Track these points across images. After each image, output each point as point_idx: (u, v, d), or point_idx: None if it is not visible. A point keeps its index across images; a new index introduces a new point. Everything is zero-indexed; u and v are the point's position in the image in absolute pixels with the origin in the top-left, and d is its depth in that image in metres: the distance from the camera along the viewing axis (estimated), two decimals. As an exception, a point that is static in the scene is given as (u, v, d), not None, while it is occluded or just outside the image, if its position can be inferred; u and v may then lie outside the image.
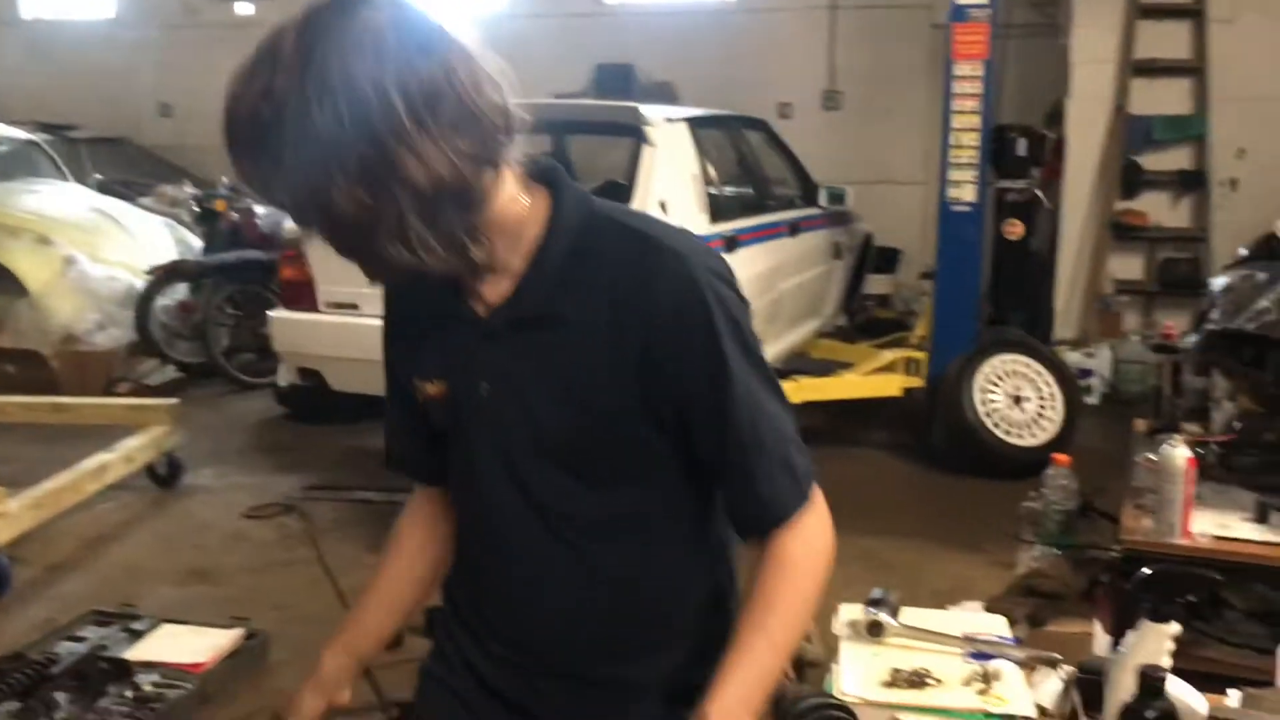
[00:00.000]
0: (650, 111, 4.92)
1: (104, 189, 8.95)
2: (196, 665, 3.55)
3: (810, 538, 1.34)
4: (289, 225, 5.31)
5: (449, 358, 1.34)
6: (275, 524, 4.96)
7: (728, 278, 1.31)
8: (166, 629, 3.79)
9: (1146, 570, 1.59)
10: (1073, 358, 6.70)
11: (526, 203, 1.26)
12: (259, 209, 7.88)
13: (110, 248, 7.66)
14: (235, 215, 7.78)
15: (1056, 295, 7.41)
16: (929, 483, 5.54)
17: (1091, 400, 6.60)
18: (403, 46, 1.07)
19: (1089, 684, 1.62)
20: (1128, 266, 7.38)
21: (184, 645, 3.67)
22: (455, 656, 1.51)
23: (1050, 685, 1.74)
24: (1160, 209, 7.35)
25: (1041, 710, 1.68)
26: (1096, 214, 7.26)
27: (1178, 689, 1.45)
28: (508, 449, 1.33)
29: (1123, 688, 1.47)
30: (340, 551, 4.59)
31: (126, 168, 10.09)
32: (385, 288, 1.43)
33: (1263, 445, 2.56)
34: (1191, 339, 2.80)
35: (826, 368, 6.29)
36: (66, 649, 3.58)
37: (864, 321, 8.18)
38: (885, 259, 8.59)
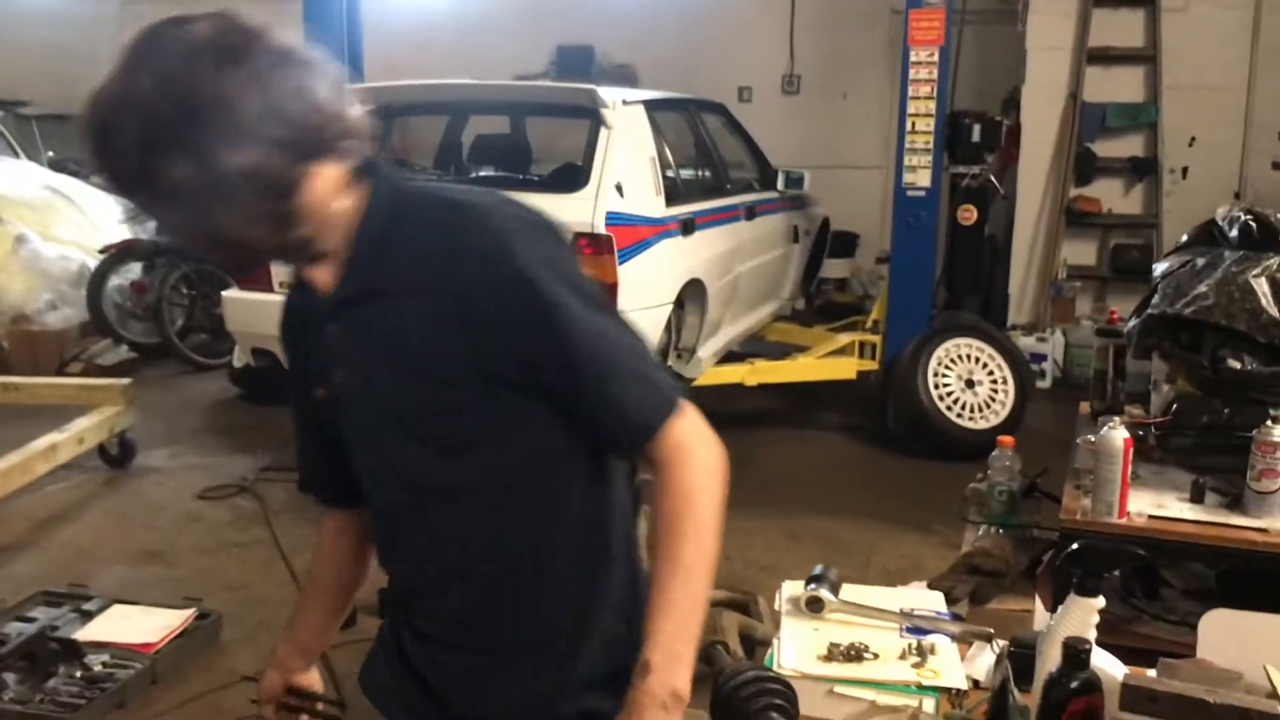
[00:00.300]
0: (607, 94, 4.92)
1: (56, 166, 8.82)
2: (147, 645, 3.54)
3: (692, 451, 1.31)
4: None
5: (322, 357, 1.39)
6: (229, 505, 4.94)
7: (538, 222, 1.33)
8: (117, 609, 3.78)
9: (1074, 546, 1.63)
10: (1026, 342, 6.79)
11: (347, 194, 1.31)
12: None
13: (62, 226, 7.57)
14: (190, 194, 7.70)
15: (1011, 280, 7.49)
16: (882, 465, 5.60)
17: (1044, 384, 6.70)
18: (218, 54, 1.20)
19: (1021, 657, 1.66)
20: (1081, 252, 7.47)
21: (135, 625, 3.67)
22: (390, 635, 1.55)
23: (984, 659, 1.78)
24: (1113, 195, 7.44)
25: (974, 682, 1.73)
26: (1051, 200, 7.35)
27: (1101, 660, 1.49)
28: (370, 430, 1.38)
29: (1050, 659, 1.51)
30: (294, 532, 4.59)
31: (79, 145, 9.93)
32: (282, 316, 1.49)
33: (1198, 427, 2.61)
34: (1132, 323, 2.84)
35: (783, 351, 6.34)
36: (16, 629, 3.56)
37: (822, 305, 8.24)
38: (844, 243, 8.65)
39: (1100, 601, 1.56)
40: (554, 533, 1.37)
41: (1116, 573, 3.08)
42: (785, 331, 6.81)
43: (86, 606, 3.78)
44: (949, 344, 5.63)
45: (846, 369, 6.05)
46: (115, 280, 7.18)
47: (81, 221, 7.69)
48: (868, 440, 5.90)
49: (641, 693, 1.23)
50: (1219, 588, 2.79)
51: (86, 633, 3.60)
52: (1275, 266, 2.56)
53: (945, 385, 5.57)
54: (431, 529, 1.39)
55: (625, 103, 5.01)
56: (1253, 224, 2.66)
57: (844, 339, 6.23)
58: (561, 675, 1.40)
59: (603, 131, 4.81)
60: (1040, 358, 6.76)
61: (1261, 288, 2.53)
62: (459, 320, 1.27)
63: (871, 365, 6.06)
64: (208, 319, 7.07)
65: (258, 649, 3.68)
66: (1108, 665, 1.50)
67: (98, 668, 3.41)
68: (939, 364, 5.58)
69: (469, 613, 1.40)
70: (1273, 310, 2.50)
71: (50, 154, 9.20)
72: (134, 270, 7.22)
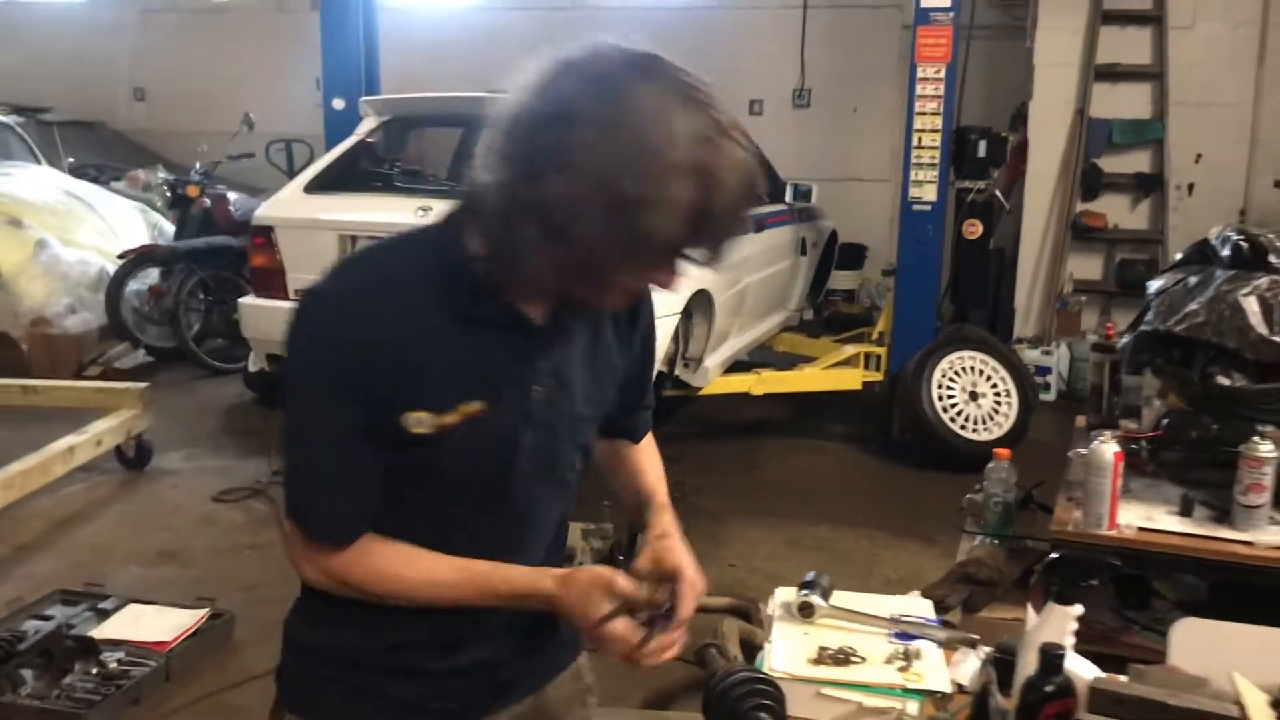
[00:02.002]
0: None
1: (76, 173, 8.95)
2: (162, 644, 3.63)
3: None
4: (260, 212, 5.37)
5: (488, 377, 1.36)
6: (244, 507, 5.03)
7: None
8: (133, 608, 3.86)
9: (1054, 555, 1.70)
10: (1031, 355, 6.86)
11: None
12: (231, 194, 7.93)
13: (82, 231, 7.68)
14: (208, 201, 7.81)
15: (1017, 294, 7.56)
16: (886, 475, 5.66)
17: (1048, 397, 6.75)
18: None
19: (1004, 663, 1.72)
20: (1087, 267, 7.53)
21: (150, 624, 3.75)
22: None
23: (969, 664, 1.85)
24: (1119, 211, 7.50)
25: (959, 687, 1.80)
26: (1057, 215, 7.41)
27: (1077, 665, 1.56)
28: (551, 444, 1.45)
29: (1028, 665, 1.57)
30: (306, 535, 4.67)
31: (99, 151, 10.08)
32: (337, 352, 1.32)
33: (1188, 442, 2.68)
34: (1126, 339, 2.91)
35: (789, 361, 6.41)
36: (33, 627, 3.65)
37: (830, 316, 8.31)
38: (852, 255, 8.72)
39: (1078, 609, 1.63)
40: None
41: (1110, 585, 3.17)
42: (792, 342, 6.89)
43: (102, 605, 3.86)
44: (953, 356, 5.69)
45: (852, 380, 6.12)
46: (133, 285, 7.28)
47: (101, 227, 7.80)
48: (872, 451, 5.97)
49: (668, 518, 1.54)
50: (1210, 600, 2.85)
51: (102, 631, 3.69)
52: (1265, 286, 2.63)
53: (949, 397, 5.63)
54: (545, 521, 1.54)
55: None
56: (1244, 244, 2.73)
57: (850, 350, 6.30)
58: None
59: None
60: (1045, 370, 6.82)
61: (1251, 306, 2.60)
62: (632, 327, 1.54)
63: (877, 376, 6.13)
64: (224, 324, 7.17)
65: (270, 649, 3.73)
66: (1083, 671, 1.57)
67: (113, 665, 3.49)
68: (943, 376, 5.64)
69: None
70: (1261, 329, 2.57)
71: (70, 160, 9.33)
72: (152, 275, 7.32)
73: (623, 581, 1.38)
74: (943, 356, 5.68)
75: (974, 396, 5.66)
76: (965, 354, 5.71)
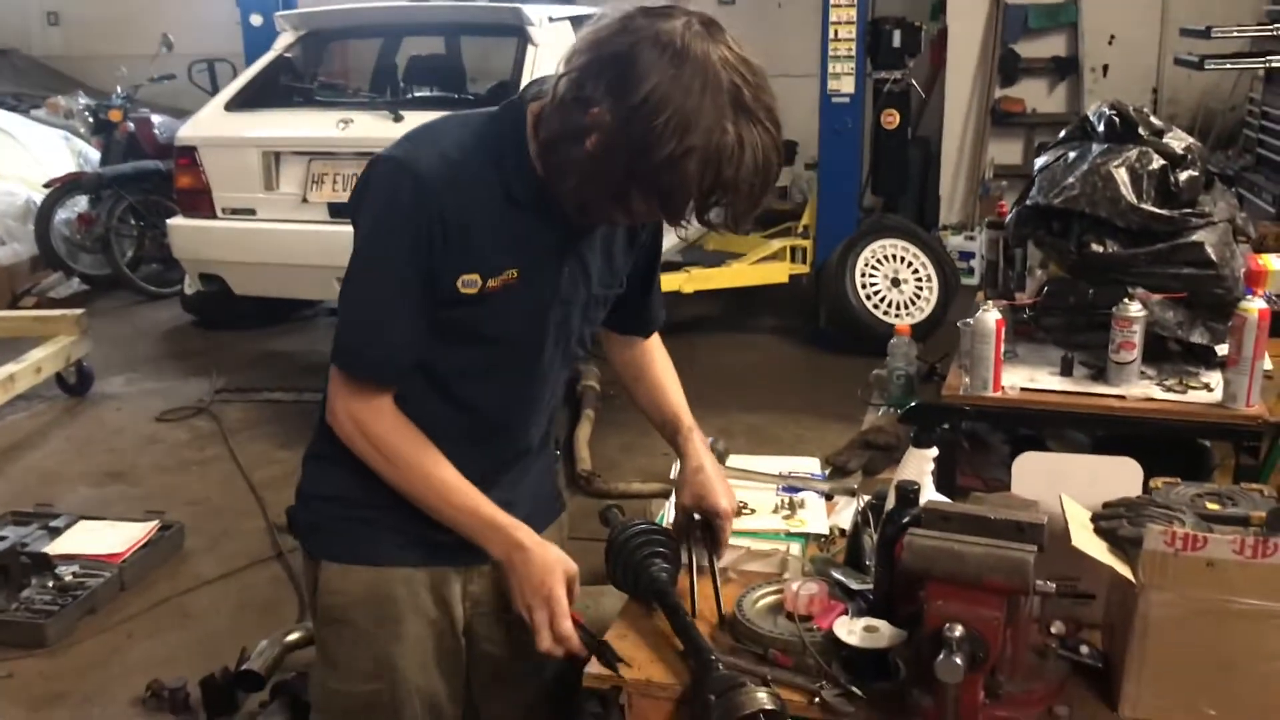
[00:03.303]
0: (532, 11, 5.05)
1: (-6, 102, 8.81)
2: (115, 555, 3.76)
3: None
4: (182, 132, 5.37)
5: (525, 251, 1.58)
6: (187, 426, 5.14)
7: None
8: (84, 525, 3.99)
9: (911, 404, 1.87)
10: (955, 241, 7.03)
11: None
12: (155, 118, 7.85)
13: (5, 162, 7.59)
14: (131, 125, 7.74)
15: (942, 181, 7.72)
16: (812, 363, 5.87)
17: (971, 281, 6.92)
18: None
19: (877, 507, 1.91)
20: (1007, 152, 7.69)
21: (102, 538, 3.88)
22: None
23: (849, 511, 2.04)
24: (1037, 95, 7.65)
25: (841, 531, 1.98)
26: (977, 102, 7.55)
27: (934, 498, 1.74)
28: (569, 316, 1.69)
29: (890, 502, 1.76)
30: (251, 449, 4.80)
31: (15, 79, 9.89)
32: (411, 220, 1.52)
33: (1067, 307, 2.84)
34: (1011, 215, 3.08)
35: (719, 259, 6.54)
36: (-13, 546, 3.77)
37: (762, 213, 8.42)
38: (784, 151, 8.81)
39: (933, 451, 1.81)
40: None
41: (1007, 445, 3.38)
42: (721, 240, 7.00)
43: (54, 524, 3.98)
44: (876, 245, 5.85)
45: (779, 273, 6.28)
46: (62, 214, 7.22)
47: (24, 157, 7.70)
48: (800, 341, 6.17)
49: (703, 442, 1.87)
50: (1095, 452, 3.06)
51: (56, 547, 3.81)
52: (1134, 157, 2.78)
53: (873, 285, 5.81)
54: (555, 383, 1.78)
55: (551, 19, 5.14)
56: (1116, 119, 2.88)
57: (776, 245, 6.45)
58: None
59: (529, 49, 4.95)
60: (968, 255, 6.99)
61: (1121, 177, 2.76)
62: (635, 239, 1.75)
63: (803, 269, 6.29)
64: (157, 249, 7.15)
65: (220, 556, 3.91)
66: (934, 499, 1.75)
67: (69, 578, 3.62)
68: (866, 265, 5.81)
69: (543, 423, 1.82)
70: (1130, 197, 2.73)
71: (-13, 90, 9.17)
72: (80, 203, 7.27)
73: (560, 592, 1.60)
74: (865, 246, 5.84)
75: (896, 283, 5.85)
76: (887, 242, 5.88)
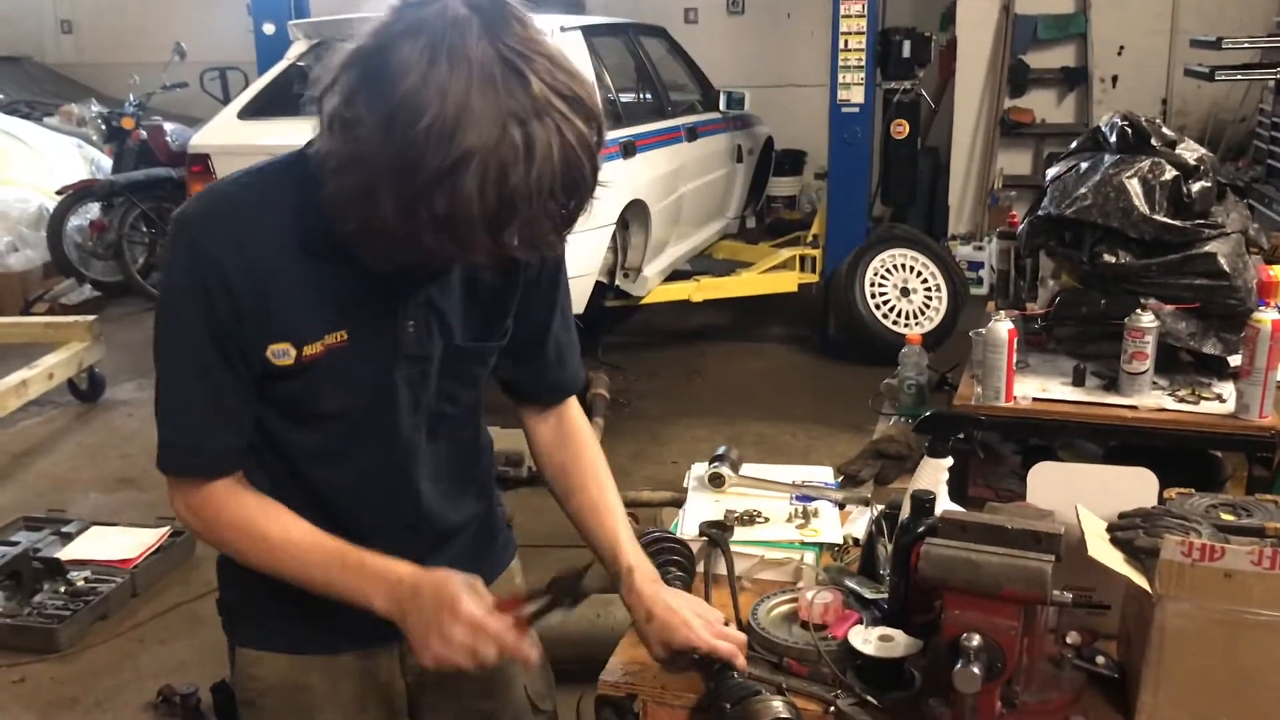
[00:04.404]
0: (544, 20, 5.04)
1: (7, 109, 8.85)
2: (126, 561, 3.78)
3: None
4: (195, 140, 5.39)
5: (350, 308, 1.35)
6: (198, 432, 5.14)
7: None
8: (96, 530, 4.01)
9: (926, 414, 1.87)
10: (964, 251, 7.05)
11: None
12: (168, 125, 7.89)
13: (17, 169, 7.63)
14: (144, 133, 7.78)
15: (951, 191, 7.73)
16: (821, 372, 5.87)
17: (980, 291, 6.94)
18: None
19: (891, 517, 1.91)
20: (1016, 162, 7.70)
21: (113, 544, 3.90)
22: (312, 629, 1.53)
23: (863, 521, 2.04)
24: (1046, 106, 7.66)
25: (855, 540, 1.98)
26: (986, 112, 7.56)
27: (949, 508, 1.74)
28: (423, 374, 1.43)
29: (905, 511, 1.76)
30: (262, 455, 4.81)
31: (28, 87, 9.94)
32: (196, 283, 1.29)
33: (1079, 317, 2.85)
34: (1023, 226, 3.08)
35: (728, 268, 6.56)
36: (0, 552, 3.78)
37: (772, 223, 8.45)
38: (791, 161, 8.84)
39: (948, 461, 1.81)
40: (484, 438, 1.66)
41: (1018, 455, 3.38)
42: (731, 249, 7.04)
43: (66, 529, 4.00)
44: (885, 255, 5.86)
45: (788, 283, 6.29)
46: (75, 221, 7.27)
47: (37, 164, 7.74)
48: (809, 350, 6.18)
49: (646, 580, 1.55)
50: (1106, 463, 3.06)
51: (68, 552, 3.83)
52: (1147, 168, 2.79)
53: (882, 294, 5.82)
54: (439, 451, 1.52)
55: (563, 29, 5.16)
56: (1128, 129, 2.88)
57: (785, 254, 6.47)
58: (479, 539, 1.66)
59: (540, 58, 4.95)
60: (977, 265, 7.02)
61: (1134, 188, 2.76)
62: (511, 274, 1.46)
63: (812, 278, 6.31)
64: (168, 256, 7.17)
65: (231, 561, 3.92)
66: (949, 509, 1.75)
67: (80, 583, 3.65)
68: (875, 274, 5.82)
69: (447, 505, 1.57)
70: (1143, 208, 2.73)
71: (1, 96, 9.21)
72: (93, 210, 7.32)
73: (469, 604, 1.32)
74: (875, 255, 5.85)
75: (905, 293, 5.85)
76: (896, 252, 5.89)
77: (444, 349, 1.43)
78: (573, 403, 1.68)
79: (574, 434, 1.66)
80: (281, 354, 1.33)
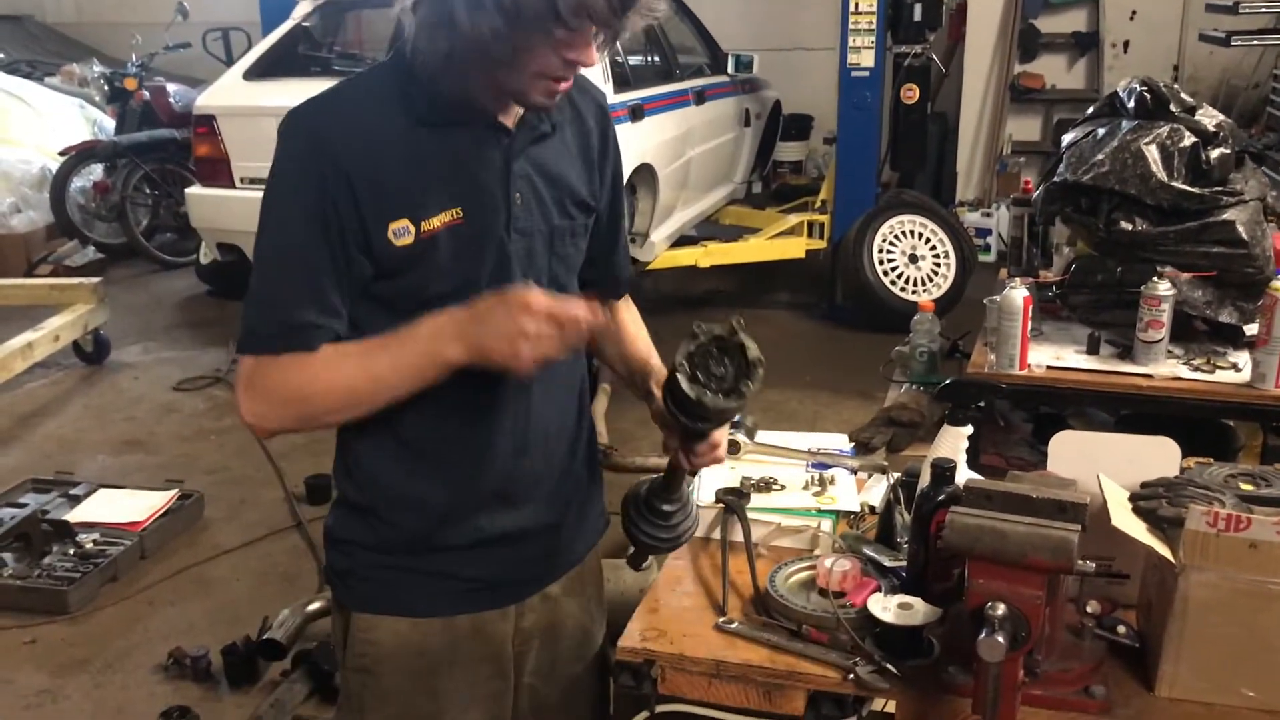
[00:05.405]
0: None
1: (8, 69, 8.78)
2: (135, 524, 3.78)
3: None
4: (201, 101, 5.35)
5: (462, 182, 1.40)
6: (205, 395, 5.15)
7: None
8: (104, 493, 4.01)
9: (946, 382, 1.86)
10: (972, 218, 7.01)
11: None
12: (170, 86, 7.83)
13: (19, 129, 7.59)
14: (146, 93, 7.72)
15: (959, 157, 7.67)
16: (829, 338, 5.86)
17: (988, 258, 6.91)
18: None
19: (908, 484, 1.90)
20: (1026, 128, 7.64)
21: (122, 506, 3.90)
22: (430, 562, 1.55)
23: (879, 488, 2.03)
24: (1056, 71, 7.59)
25: (871, 508, 1.98)
26: (996, 77, 7.49)
27: (969, 477, 1.73)
28: (529, 250, 1.47)
29: (925, 481, 1.75)
30: (269, 418, 4.80)
31: (30, 46, 9.86)
32: (306, 181, 1.35)
33: (1094, 285, 2.83)
34: (1038, 192, 3.05)
35: (735, 234, 6.53)
36: (8, 514, 3.79)
37: (779, 188, 8.40)
38: (798, 126, 8.76)
39: (968, 429, 1.80)
40: None
41: (1030, 423, 3.37)
42: (739, 214, 7.00)
43: (74, 492, 4.00)
44: (893, 221, 5.83)
45: (795, 249, 6.26)
46: (78, 182, 7.24)
47: (39, 124, 7.70)
48: (816, 316, 6.16)
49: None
50: (1118, 431, 3.05)
51: (76, 515, 3.83)
52: (1165, 134, 2.76)
53: (890, 261, 5.79)
54: None
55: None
56: (1147, 95, 2.85)
57: (793, 219, 6.43)
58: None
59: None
60: (985, 232, 6.98)
61: (1152, 154, 2.73)
62: (594, 161, 1.56)
63: (820, 244, 6.27)
64: (172, 218, 7.16)
65: (239, 525, 3.93)
66: (969, 477, 1.74)
67: (89, 545, 3.64)
68: (883, 241, 5.79)
69: (567, 404, 1.62)
70: (1161, 175, 2.70)
71: (1, 56, 9.14)
72: (96, 171, 7.28)
73: (538, 295, 1.32)
74: (883, 221, 5.82)
75: (914, 259, 5.82)
76: (905, 218, 5.85)
77: (548, 226, 1.49)
78: (629, 300, 1.80)
79: (620, 307, 1.77)
80: (402, 231, 1.37)
